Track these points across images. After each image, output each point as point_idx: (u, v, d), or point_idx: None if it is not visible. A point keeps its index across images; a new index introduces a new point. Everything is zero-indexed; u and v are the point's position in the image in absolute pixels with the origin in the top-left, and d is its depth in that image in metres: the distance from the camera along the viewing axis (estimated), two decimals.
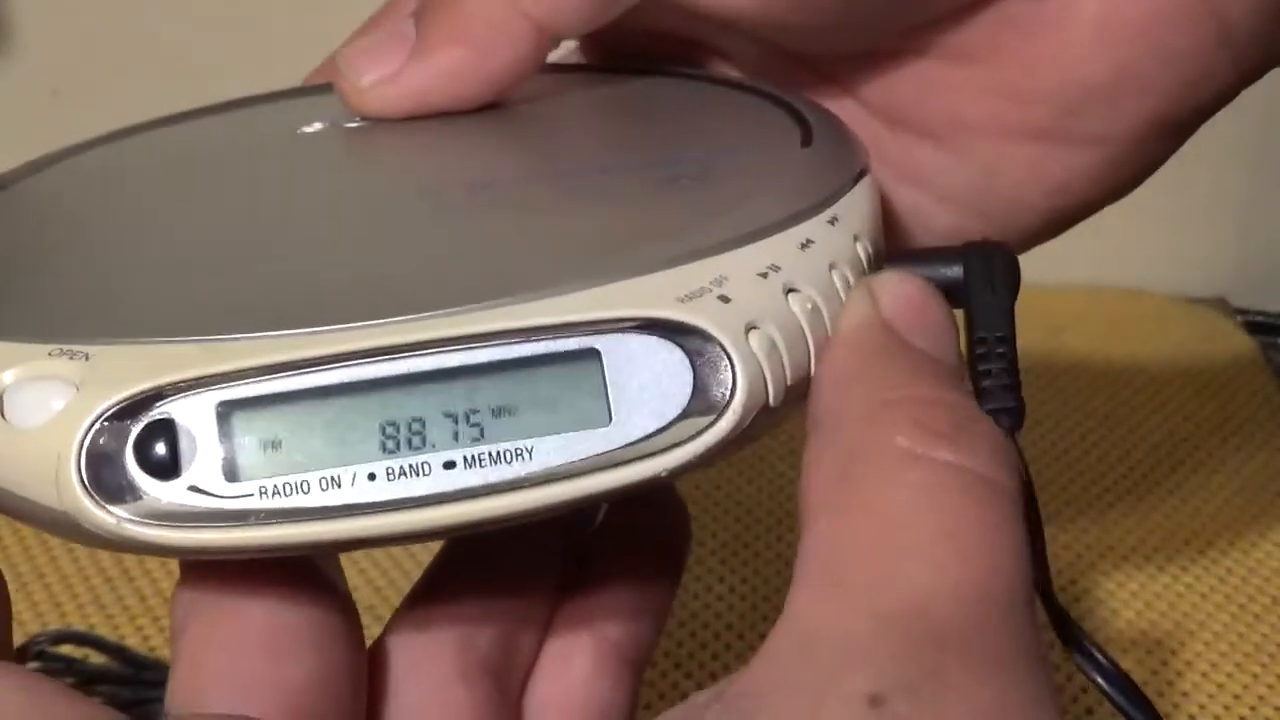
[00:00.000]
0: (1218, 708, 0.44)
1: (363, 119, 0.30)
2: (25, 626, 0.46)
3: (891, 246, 0.28)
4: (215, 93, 0.34)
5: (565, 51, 0.34)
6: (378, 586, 0.48)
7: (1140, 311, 0.68)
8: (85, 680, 0.44)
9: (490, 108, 0.30)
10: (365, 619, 0.26)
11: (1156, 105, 0.29)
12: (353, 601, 0.25)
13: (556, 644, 0.29)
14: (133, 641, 0.46)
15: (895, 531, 0.21)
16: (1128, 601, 0.49)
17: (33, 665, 0.44)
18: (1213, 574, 0.50)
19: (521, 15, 0.28)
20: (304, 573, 0.25)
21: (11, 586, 0.48)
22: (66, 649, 0.45)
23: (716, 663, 0.46)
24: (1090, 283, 0.69)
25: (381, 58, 0.29)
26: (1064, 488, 0.55)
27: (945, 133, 0.31)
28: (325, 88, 0.31)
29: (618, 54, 0.33)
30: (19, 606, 0.47)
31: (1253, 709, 0.44)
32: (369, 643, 0.27)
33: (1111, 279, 0.70)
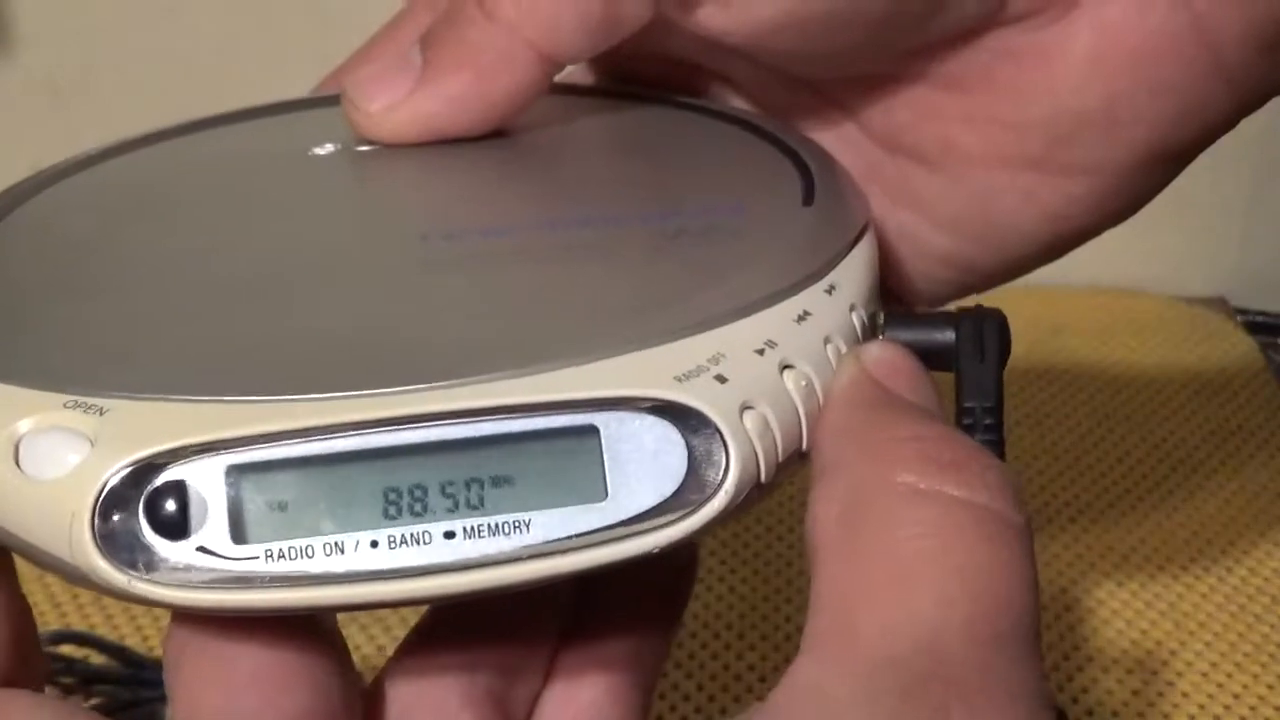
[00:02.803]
0: (1218, 708, 0.45)
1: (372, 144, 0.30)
2: None
3: (891, 293, 0.28)
4: (216, 92, 0.34)
5: (571, 68, 0.34)
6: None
7: (1140, 311, 0.68)
8: (85, 680, 0.44)
9: (497, 135, 0.30)
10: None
11: (1150, 135, 0.29)
12: (340, 634, 0.26)
13: (563, 670, 0.29)
14: (133, 641, 0.46)
15: (903, 571, 0.21)
16: (1128, 601, 0.49)
17: None
18: (1212, 574, 0.50)
19: (525, 43, 0.29)
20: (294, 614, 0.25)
21: None
22: (66, 649, 0.45)
23: (716, 662, 0.46)
24: (1090, 283, 0.69)
25: (389, 84, 0.30)
26: (1064, 488, 0.55)
27: (941, 158, 0.31)
28: (335, 99, 0.31)
29: (623, 75, 0.34)
30: None
31: (1253, 709, 0.44)
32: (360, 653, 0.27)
33: (1111, 279, 0.70)
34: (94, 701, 0.44)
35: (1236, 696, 0.45)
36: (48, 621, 0.47)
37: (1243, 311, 0.69)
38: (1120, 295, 0.70)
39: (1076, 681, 0.45)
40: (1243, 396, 0.61)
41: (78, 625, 0.47)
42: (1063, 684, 0.45)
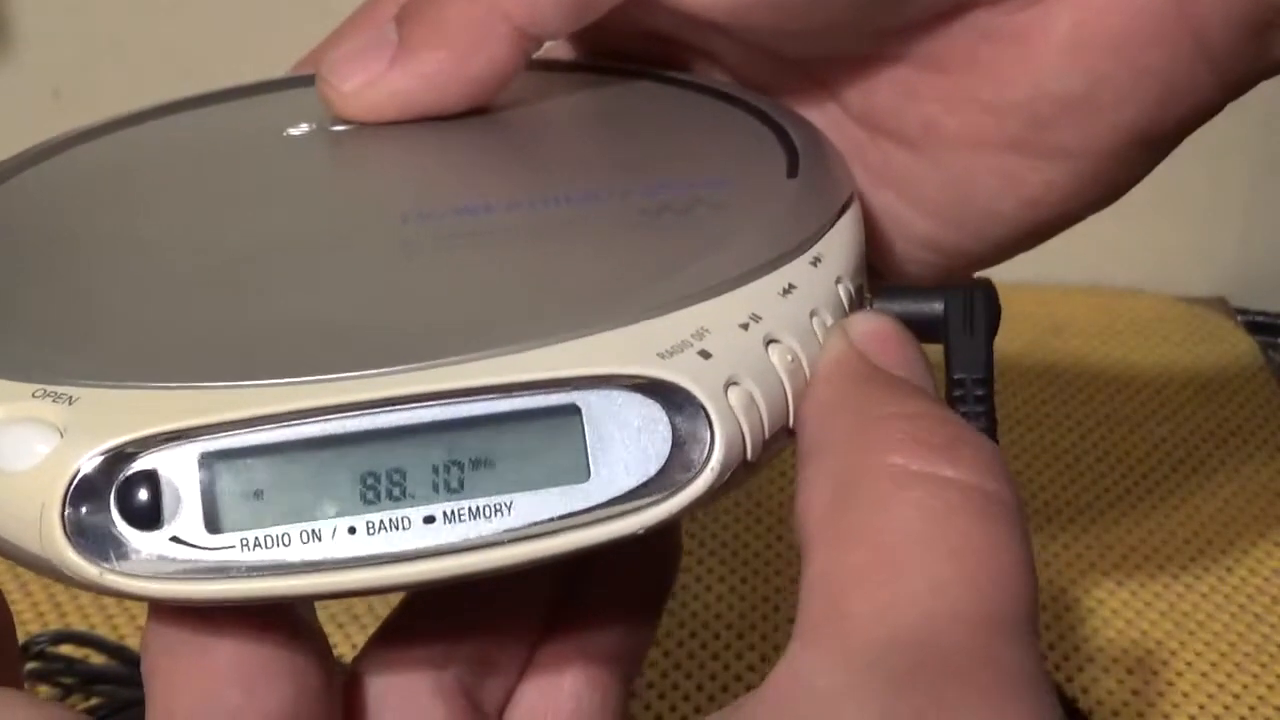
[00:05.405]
0: (1218, 708, 0.44)
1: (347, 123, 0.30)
2: (26, 626, 0.46)
3: (874, 275, 0.28)
4: None
5: (551, 43, 0.33)
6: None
7: (1140, 311, 0.68)
8: (85, 680, 0.44)
9: (475, 113, 0.30)
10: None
11: (1132, 120, 0.29)
12: (320, 627, 0.26)
13: (545, 660, 0.28)
14: (133, 641, 0.46)
15: (895, 556, 0.21)
16: (1128, 601, 0.49)
17: (33, 665, 0.44)
18: (1212, 574, 0.50)
19: (502, 18, 0.28)
20: (271, 605, 0.25)
21: (12, 586, 0.48)
22: (66, 649, 0.45)
23: (717, 662, 0.46)
24: (1090, 283, 0.69)
25: (364, 62, 0.29)
26: (1064, 487, 0.55)
27: (922, 140, 0.31)
28: (310, 79, 0.31)
29: (604, 50, 0.33)
30: (19, 607, 0.47)
31: (1252, 709, 0.44)
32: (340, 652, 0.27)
33: (1111, 279, 0.70)
34: (94, 701, 0.44)
35: (1236, 696, 0.45)
36: (48, 622, 0.47)
37: (1243, 311, 0.69)
38: (1120, 295, 0.70)
39: (1076, 681, 0.45)
40: (1242, 396, 0.61)
41: (78, 625, 0.47)
42: (1063, 684, 0.45)
